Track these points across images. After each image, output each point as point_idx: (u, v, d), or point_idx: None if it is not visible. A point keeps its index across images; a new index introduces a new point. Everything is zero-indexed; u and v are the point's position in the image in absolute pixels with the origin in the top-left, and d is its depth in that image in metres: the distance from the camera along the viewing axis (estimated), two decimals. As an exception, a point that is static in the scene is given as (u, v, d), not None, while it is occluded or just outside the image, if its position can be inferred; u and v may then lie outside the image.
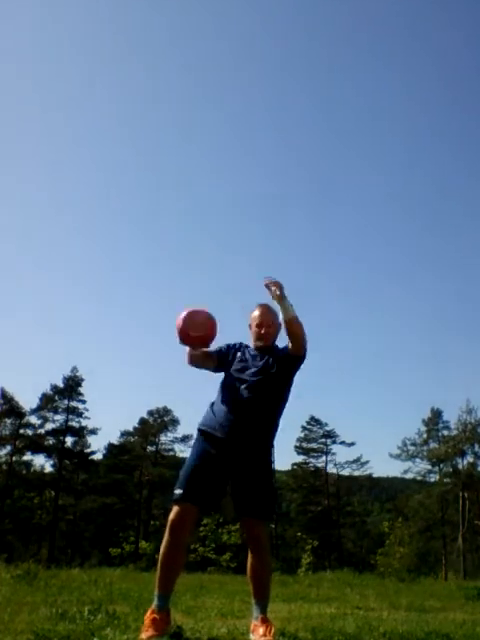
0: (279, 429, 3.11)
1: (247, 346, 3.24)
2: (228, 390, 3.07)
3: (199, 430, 3.07)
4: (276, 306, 3.08)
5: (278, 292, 2.97)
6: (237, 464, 2.93)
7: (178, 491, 2.88)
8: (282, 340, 3.26)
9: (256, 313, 3.22)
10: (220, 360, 3.19)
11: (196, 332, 3.05)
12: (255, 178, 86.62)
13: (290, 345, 3.08)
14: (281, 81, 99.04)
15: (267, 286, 3.01)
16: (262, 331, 3.15)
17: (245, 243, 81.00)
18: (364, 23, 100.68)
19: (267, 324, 3.17)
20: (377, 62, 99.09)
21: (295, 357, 3.10)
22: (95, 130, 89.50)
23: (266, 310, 3.21)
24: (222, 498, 2.97)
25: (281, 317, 3.08)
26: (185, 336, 3.05)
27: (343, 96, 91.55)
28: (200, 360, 3.17)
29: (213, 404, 3.11)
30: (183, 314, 3.07)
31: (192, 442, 3.28)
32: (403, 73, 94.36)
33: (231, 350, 3.23)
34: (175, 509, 2.86)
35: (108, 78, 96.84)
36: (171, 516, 2.86)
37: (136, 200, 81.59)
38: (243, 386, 3.02)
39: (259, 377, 3.04)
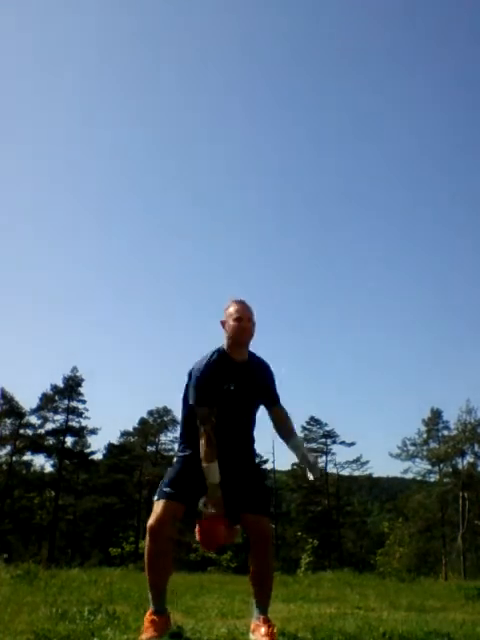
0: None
1: (222, 355, 3.01)
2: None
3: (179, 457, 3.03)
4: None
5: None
6: (225, 471, 2.88)
7: (165, 489, 2.83)
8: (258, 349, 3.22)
9: (233, 308, 3.03)
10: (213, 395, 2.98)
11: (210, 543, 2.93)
12: (259, 173, 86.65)
13: (278, 425, 3.12)
14: (288, 73, 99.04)
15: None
16: (241, 325, 2.98)
17: (247, 245, 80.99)
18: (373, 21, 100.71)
19: (246, 318, 3.01)
20: (390, 54, 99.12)
21: (270, 411, 3.13)
22: (100, 118, 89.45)
23: (244, 306, 3.05)
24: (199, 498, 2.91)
25: (294, 446, 3.07)
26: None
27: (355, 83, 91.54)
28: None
29: (185, 431, 3.03)
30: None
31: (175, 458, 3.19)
32: (417, 71, 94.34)
33: (215, 376, 2.98)
34: (157, 507, 2.78)
35: (116, 71, 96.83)
36: (151, 518, 2.77)
37: (138, 201, 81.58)
38: (226, 413, 2.94)
39: (244, 406, 3.01)
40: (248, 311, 3.04)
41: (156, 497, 2.84)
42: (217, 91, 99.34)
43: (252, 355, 3.10)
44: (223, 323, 3.04)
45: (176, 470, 2.96)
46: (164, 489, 2.85)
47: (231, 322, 2.99)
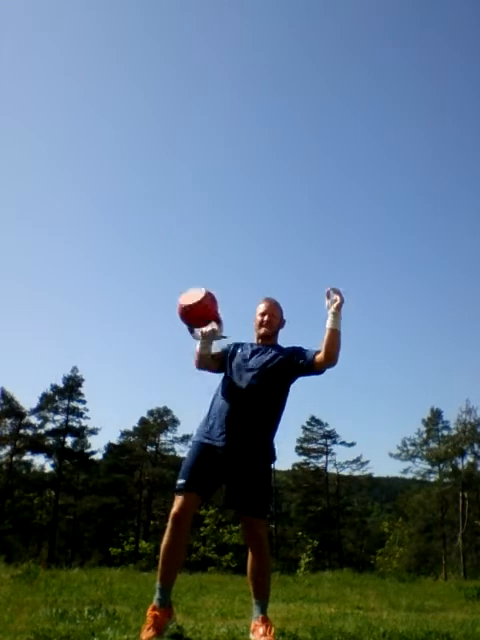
0: (278, 428, 3.12)
1: (252, 343, 3.25)
2: (227, 384, 3.09)
3: (195, 442, 3.07)
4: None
5: (337, 302, 2.99)
6: (236, 464, 2.94)
7: (181, 481, 2.91)
8: (284, 340, 3.28)
9: (260, 305, 3.28)
10: (223, 359, 3.21)
11: (188, 301, 3.04)
12: (260, 170, 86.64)
13: (320, 355, 3.00)
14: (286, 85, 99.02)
15: (328, 294, 3.05)
16: (265, 318, 3.20)
17: (248, 243, 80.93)
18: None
19: (270, 313, 3.22)
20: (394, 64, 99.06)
21: (312, 365, 3.04)
22: (102, 111, 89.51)
23: (270, 302, 3.28)
24: (216, 491, 3.00)
25: (328, 324, 2.98)
26: (180, 310, 3.07)
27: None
28: (206, 361, 3.17)
29: (209, 409, 3.09)
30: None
31: (191, 442, 3.27)
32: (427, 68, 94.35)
33: (233, 347, 3.25)
34: (179, 499, 2.89)
35: (119, 63, 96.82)
36: (174, 507, 2.88)
37: (136, 202, 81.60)
38: (242, 379, 3.03)
39: (259, 370, 3.04)
40: (273, 307, 3.25)
41: (176, 488, 2.93)
42: (217, 84, 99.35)
43: (279, 346, 3.23)
44: (255, 320, 3.28)
45: (193, 458, 2.99)
46: (181, 481, 2.91)
47: (257, 316, 3.26)
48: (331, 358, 2.97)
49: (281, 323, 3.28)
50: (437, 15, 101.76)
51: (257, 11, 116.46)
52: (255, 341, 3.25)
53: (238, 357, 3.15)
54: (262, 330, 3.20)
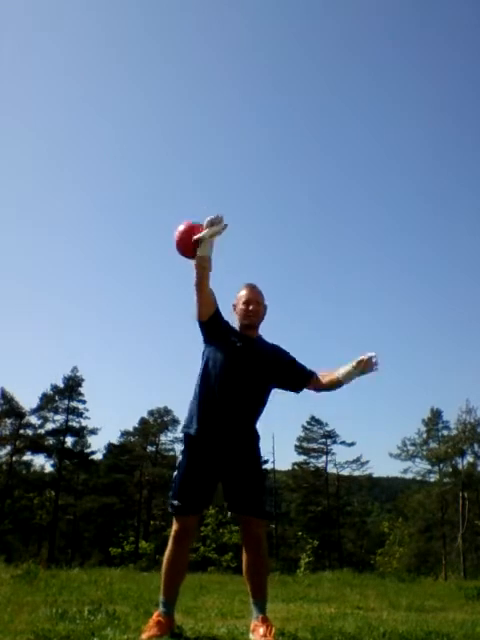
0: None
1: (242, 334, 3.10)
2: (220, 374, 2.97)
3: (185, 434, 3.02)
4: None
5: (365, 368, 2.99)
6: (227, 461, 2.91)
7: (176, 502, 2.89)
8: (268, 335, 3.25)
9: (243, 292, 3.13)
10: (216, 315, 3.05)
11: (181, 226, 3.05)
12: (261, 167, 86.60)
13: (315, 382, 3.12)
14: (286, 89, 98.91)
15: (366, 360, 2.98)
16: (250, 308, 3.06)
17: (248, 242, 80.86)
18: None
19: (256, 301, 3.09)
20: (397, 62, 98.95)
21: (300, 387, 3.16)
22: (103, 109, 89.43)
23: (255, 289, 3.14)
24: (214, 494, 2.97)
25: (341, 373, 3.03)
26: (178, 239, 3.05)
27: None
28: (206, 270, 2.97)
29: (199, 397, 3.00)
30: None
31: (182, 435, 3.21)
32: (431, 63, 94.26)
33: (225, 323, 3.11)
34: (177, 522, 2.90)
35: (120, 61, 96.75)
36: (174, 528, 2.90)
37: (135, 203, 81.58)
38: (239, 371, 2.96)
39: (260, 367, 3.01)
40: (257, 294, 3.13)
41: (172, 509, 2.92)
42: (217, 84, 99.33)
43: (263, 338, 3.18)
44: (234, 306, 3.16)
45: (184, 467, 2.94)
46: (176, 502, 2.89)
47: (240, 305, 3.10)
48: (318, 390, 3.15)
49: (265, 310, 3.16)
50: (437, 15, 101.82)
51: (257, 11, 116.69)
52: (238, 327, 3.12)
53: (233, 345, 3.01)
54: (248, 320, 3.08)
